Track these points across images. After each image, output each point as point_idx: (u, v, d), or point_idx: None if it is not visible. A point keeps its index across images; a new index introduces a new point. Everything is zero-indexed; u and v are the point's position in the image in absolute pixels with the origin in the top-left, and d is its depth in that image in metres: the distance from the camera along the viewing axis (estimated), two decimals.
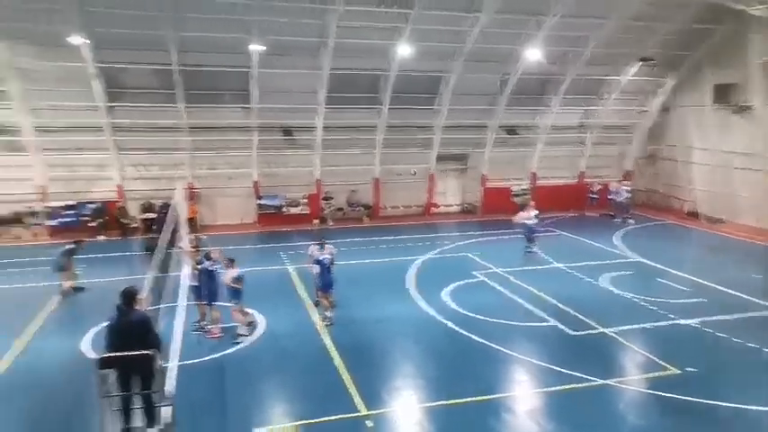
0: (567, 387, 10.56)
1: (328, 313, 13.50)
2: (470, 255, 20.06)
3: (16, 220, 22.43)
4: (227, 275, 12.59)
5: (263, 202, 25.28)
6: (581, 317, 13.90)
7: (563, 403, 10.08)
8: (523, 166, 29.03)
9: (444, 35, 22.59)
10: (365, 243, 21.94)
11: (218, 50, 21.31)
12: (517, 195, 28.61)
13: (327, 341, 12.56)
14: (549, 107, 27.03)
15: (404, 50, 21.57)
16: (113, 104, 22.12)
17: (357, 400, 10.02)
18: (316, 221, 25.55)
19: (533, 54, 22.32)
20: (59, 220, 22.42)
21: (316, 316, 13.99)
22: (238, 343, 12.34)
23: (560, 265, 18.81)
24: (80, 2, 18.55)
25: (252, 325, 13.10)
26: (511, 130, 27.80)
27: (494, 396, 10.31)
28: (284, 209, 25.52)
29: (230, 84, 23.01)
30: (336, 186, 26.26)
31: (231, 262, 12.85)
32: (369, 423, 9.30)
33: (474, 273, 17.82)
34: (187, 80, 22.02)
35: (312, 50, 22.27)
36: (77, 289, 15.71)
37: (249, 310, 13.36)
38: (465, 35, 22.42)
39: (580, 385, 10.58)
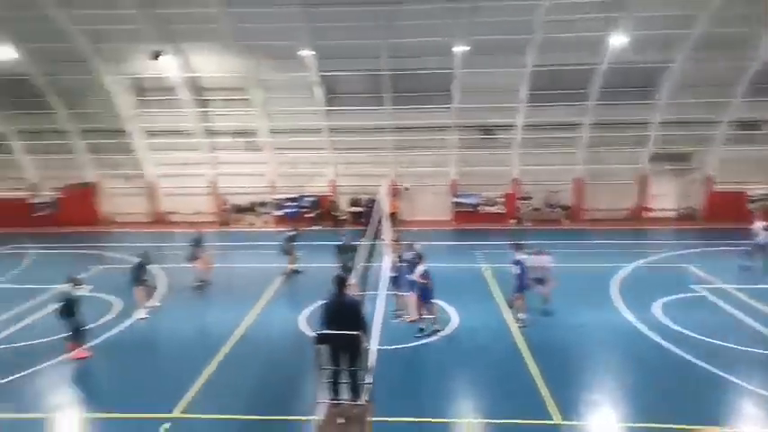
0: None
1: (521, 315, 13.22)
2: (689, 266, 17.79)
3: (251, 209, 26.38)
4: (416, 271, 13.09)
5: (459, 200, 25.72)
6: None
7: None
8: (765, 168, 24.66)
9: (667, 21, 20.33)
10: (563, 246, 20.82)
11: (424, 54, 22.24)
12: (754, 201, 24.49)
13: (521, 342, 12.32)
14: None
15: (617, 41, 19.96)
16: (330, 108, 24.58)
17: (550, 406, 9.67)
18: (511, 221, 25.17)
19: None
20: (284, 210, 25.77)
21: (509, 316, 13.79)
22: (425, 335, 12.58)
23: None
24: (309, 19, 20.97)
25: (434, 320, 13.32)
26: (750, 125, 23.80)
27: (715, 428, 9.02)
28: (480, 207, 25.61)
29: (433, 85, 23.81)
30: (534, 186, 25.46)
31: (420, 258, 13.27)
32: None
33: (693, 287, 15.79)
34: (394, 84, 23.42)
35: (517, 48, 21.92)
36: (296, 271, 17.84)
37: (434, 305, 13.54)
38: (692, 20, 19.87)
39: None
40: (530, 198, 25.48)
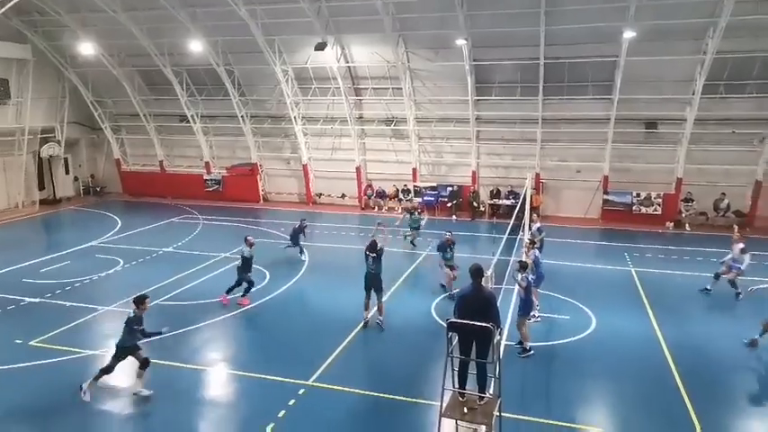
0: None
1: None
2: None
3: (394, 195, 27.14)
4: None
5: (610, 197, 23.97)
6: None
7: None
8: None
9: None
10: None
11: (587, 41, 20.97)
12: None
13: (668, 357, 11.24)
14: None
15: None
16: (480, 98, 24.29)
17: (696, 425, 8.75)
18: (669, 224, 22.88)
19: None
20: (424, 198, 26.14)
21: (656, 325, 12.65)
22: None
23: None
24: (468, 7, 20.84)
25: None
26: None
27: None
28: (635, 207, 23.63)
29: (592, 74, 22.38)
30: (701, 187, 22.82)
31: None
32: None
33: None
34: (549, 73, 22.39)
35: (696, 33, 19.75)
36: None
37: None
38: None
39: None
40: (693, 200, 22.90)
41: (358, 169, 27.21)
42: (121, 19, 23.49)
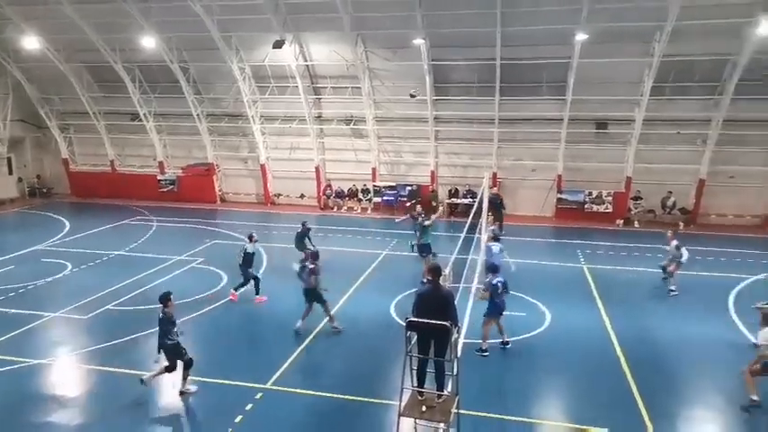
0: None
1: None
2: None
3: (353, 195, 27.09)
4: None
5: (564, 196, 24.63)
6: None
7: None
8: None
9: None
10: None
11: (541, 42, 21.39)
12: None
13: (618, 349, 11.64)
14: None
15: (765, 29, 17.78)
16: (438, 98, 24.50)
17: (646, 420, 9.09)
18: (619, 222, 23.68)
19: None
20: (383, 197, 26.21)
21: (607, 319, 13.10)
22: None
23: None
24: (425, 7, 20.94)
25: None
26: None
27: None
28: (587, 205, 24.36)
29: (547, 75, 22.89)
30: (649, 186, 23.70)
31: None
32: None
33: None
34: (505, 73, 22.75)
35: (645, 36, 20.46)
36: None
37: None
38: None
39: None
40: (642, 198, 23.77)
41: (317, 169, 27.03)
42: (68, 12, 22.54)
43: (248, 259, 14.37)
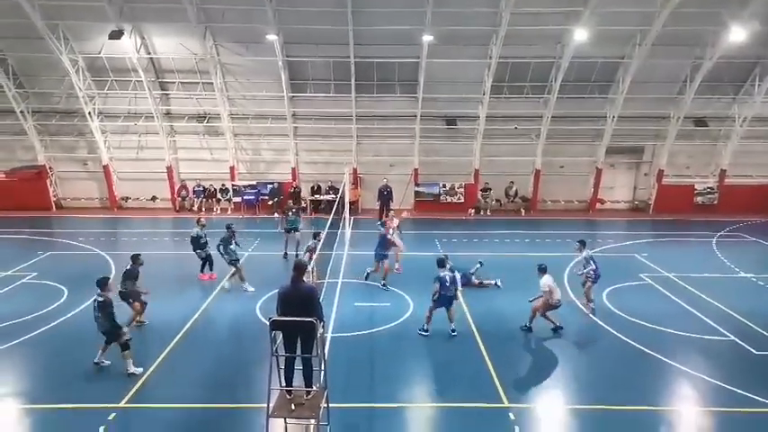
0: (745, 410, 9.34)
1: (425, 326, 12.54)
2: (637, 256, 18.51)
3: (212, 195, 25.89)
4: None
5: (421, 189, 25.92)
6: None
7: (738, 428, 8.96)
8: (710, 163, 25.87)
9: (628, 18, 20.83)
10: (521, 236, 21.36)
11: (391, 43, 22.17)
12: (701, 195, 25.70)
13: (475, 329, 12.58)
14: (751, 96, 23.63)
15: (580, 36, 20.26)
16: (295, 95, 24.29)
17: (500, 391, 9.94)
18: (471, 211, 25.54)
19: (737, 35, 19.25)
20: (244, 197, 25.41)
21: (465, 303, 14.02)
22: None
23: (748, 275, 16.53)
24: (276, 2, 20.61)
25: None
26: (699, 122, 24.85)
27: (652, 408, 9.48)
28: (442, 197, 25.89)
29: (399, 74, 23.81)
30: (495, 177, 25.86)
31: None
32: (511, 416, 9.19)
33: (641, 275, 16.44)
34: (359, 71, 23.25)
35: (482, 39, 22.10)
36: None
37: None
38: (652, 16, 20.40)
39: (762, 410, 9.29)
40: (490, 189, 25.85)
41: (169, 169, 25.38)
42: None
43: (195, 242, 15.56)
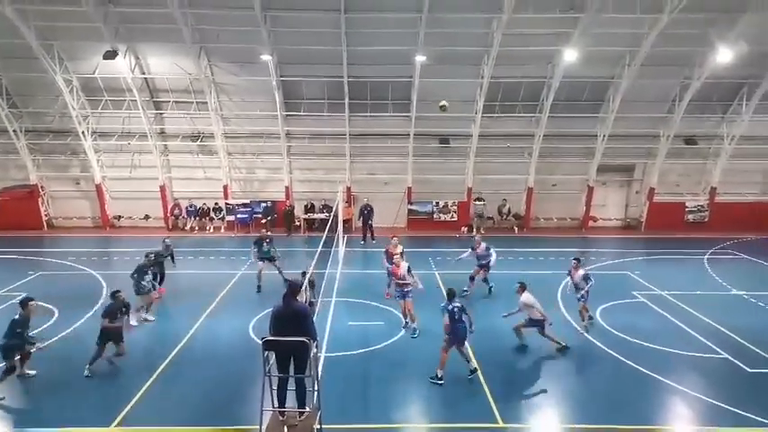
0: (739, 429, 9.32)
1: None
2: (630, 273, 18.59)
3: (205, 214, 25.85)
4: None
5: (414, 207, 26.00)
6: (762, 353, 12.14)
7: None
8: (701, 180, 26.17)
9: (617, 39, 21.20)
10: (514, 254, 21.39)
11: (384, 62, 22.43)
12: (692, 212, 25.94)
13: (468, 349, 12.49)
14: (739, 114, 24.02)
15: (570, 56, 20.59)
16: (289, 114, 24.42)
17: (495, 411, 9.87)
18: (464, 229, 25.60)
19: (724, 55, 19.63)
20: (237, 215, 25.37)
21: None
22: None
23: (741, 292, 16.61)
24: (271, 23, 20.85)
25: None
26: (689, 140, 25.18)
27: (646, 427, 9.45)
28: (435, 215, 25.96)
29: (392, 93, 24.03)
30: (488, 195, 25.97)
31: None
32: None
33: (634, 293, 16.49)
34: (353, 90, 23.46)
35: (475, 59, 22.39)
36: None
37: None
38: (641, 38, 20.77)
39: (757, 429, 9.26)
40: (483, 200, 25.91)
41: (162, 188, 25.35)
42: None
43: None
